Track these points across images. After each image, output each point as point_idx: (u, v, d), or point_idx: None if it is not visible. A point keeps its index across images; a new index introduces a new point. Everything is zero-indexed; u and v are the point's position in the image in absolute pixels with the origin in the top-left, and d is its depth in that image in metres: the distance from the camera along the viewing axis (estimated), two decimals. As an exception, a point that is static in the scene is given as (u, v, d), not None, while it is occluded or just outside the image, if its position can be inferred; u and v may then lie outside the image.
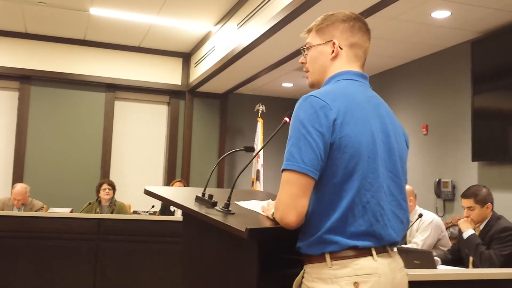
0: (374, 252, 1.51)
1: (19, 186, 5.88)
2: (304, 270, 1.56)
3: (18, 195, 5.77)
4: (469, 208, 3.62)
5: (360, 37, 1.70)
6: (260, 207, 1.82)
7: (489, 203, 3.61)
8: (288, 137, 1.53)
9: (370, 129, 1.56)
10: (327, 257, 1.49)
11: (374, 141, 1.55)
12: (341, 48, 1.69)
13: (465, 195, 3.67)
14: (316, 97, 1.53)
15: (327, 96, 1.54)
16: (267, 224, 1.63)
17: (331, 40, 1.69)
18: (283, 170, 1.51)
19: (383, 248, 1.55)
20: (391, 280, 1.52)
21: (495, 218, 3.61)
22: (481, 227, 3.64)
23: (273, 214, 1.61)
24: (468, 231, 3.52)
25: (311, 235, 1.51)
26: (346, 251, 1.49)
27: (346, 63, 1.69)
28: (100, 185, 6.03)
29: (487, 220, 3.62)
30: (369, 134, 1.55)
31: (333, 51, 1.69)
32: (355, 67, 1.70)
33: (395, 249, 1.64)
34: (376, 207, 1.53)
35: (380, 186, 1.55)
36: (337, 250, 1.49)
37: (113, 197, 6.02)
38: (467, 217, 3.66)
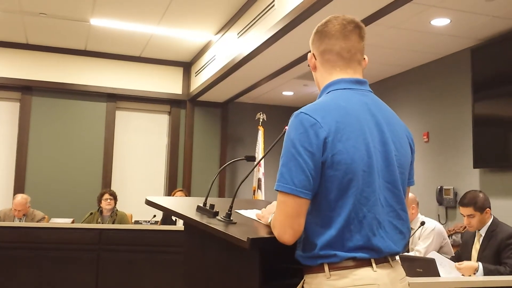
0: (373, 263, 1.51)
1: (19, 197, 5.87)
2: (304, 280, 1.56)
3: (19, 206, 5.76)
4: (469, 216, 3.60)
5: (327, 41, 1.67)
6: (255, 214, 1.82)
7: (488, 208, 3.60)
8: (281, 154, 1.53)
9: (365, 141, 1.54)
10: (326, 267, 1.49)
11: (369, 153, 1.54)
12: (316, 59, 1.72)
13: (463, 203, 3.64)
14: (307, 114, 1.52)
15: (317, 112, 1.53)
16: (268, 233, 1.63)
17: (311, 53, 1.75)
18: (277, 190, 1.53)
19: (384, 258, 1.54)
20: None
21: (496, 223, 3.60)
22: (483, 232, 3.62)
23: (269, 222, 1.61)
24: (479, 272, 3.37)
25: (309, 250, 1.52)
26: (345, 262, 1.49)
27: (324, 72, 1.70)
28: (102, 195, 6.02)
29: (488, 225, 3.61)
30: (364, 148, 1.53)
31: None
32: (338, 73, 1.67)
33: (397, 259, 1.63)
34: (373, 220, 1.52)
35: (376, 199, 1.54)
36: (336, 261, 1.49)
37: (114, 207, 6.01)
38: (468, 224, 3.65)
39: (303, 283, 1.56)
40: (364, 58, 1.73)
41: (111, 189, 6.48)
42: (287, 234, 1.50)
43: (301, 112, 1.54)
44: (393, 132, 1.64)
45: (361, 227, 1.50)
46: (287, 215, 1.49)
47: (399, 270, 1.60)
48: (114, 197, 6.03)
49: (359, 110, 1.59)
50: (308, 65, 1.81)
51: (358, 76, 1.69)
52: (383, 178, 1.57)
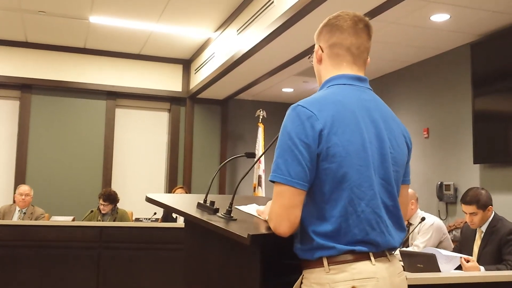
0: (372, 257, 1.51)
1: (23, 185, 6.04)
2: (303, 275, 1.56)
3: (24, 191, 5.86)
4: (472, 214, 3.59)
5: (339, 35, 1.67)
6: (255, 210, 1.83)
7: (490, 206, 3.59)
8: (276, 146, 1.54)
9: (361, 136, 1.55)
10: (325, 261, 1.50)
11: (365, 148, 1.55)
12: (323, 51, 1.71)
13: (466, 201, 3.60)
14: (304, 107, 1.54)
15: (314, 105, 1.54)
16: (268, 229, 1.63)
17: (317, 45, 1.74)
18: (272, 181, 1.53)
19: (381, 252, 1.55)
20: (390, 284, 1.52)
21: (497, 219, 3.60)
22: (484, 228, 3.62)
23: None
24: (482, 271, 3.38)
25: (308, 242, 1.52)
26: (343, 256, 1.49)
27: (330, 66, 1.70)
28: (99, 198, 5.84)
29: (489, 221, 3.60)
30: (359, 142, 1.54)
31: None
32: (344, 68, 1.68)
33: (394, 253, 1.64)
34: (372, 215, 1.53)
35: (374, 193, 1.54)
36: (334, 254, 1.49)
37: (112, 208, 5.82)
38: (470, 222, 3.63)
39: (302, 278, 1.56)
40: (368, 58, 1.74)
41: (111, 189, 6.20)
42: (283, 225, 1.50)
43: (298, 105, 1.55)
44: (389, 129, 1.65)
45: (359, 222, 1.51)
46: (283, 206, 1.50)
47: (397, 264, 1.61)
48: (110, 201, 5.78)
49: (356, 105, 1.60)
50: (309, 57, 1.80)
51: (361, 74, 1.70)
52: (378, 174, 1.58)
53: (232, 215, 1.72)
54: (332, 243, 1.49)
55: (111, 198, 5.82)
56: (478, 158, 5.24)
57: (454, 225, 4.80)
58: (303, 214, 1.52)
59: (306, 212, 1.53)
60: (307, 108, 1.53)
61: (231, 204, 1.73)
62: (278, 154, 1.53)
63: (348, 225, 1.50)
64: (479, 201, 3.55)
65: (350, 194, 1.50)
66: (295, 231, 1.54)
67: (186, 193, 6.46)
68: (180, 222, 5.63)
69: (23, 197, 5.83)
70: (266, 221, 1.69)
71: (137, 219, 5.68)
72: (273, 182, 1.53)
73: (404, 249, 3.87)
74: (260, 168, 7.42)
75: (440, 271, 3.03)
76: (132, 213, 6.33)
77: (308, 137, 1.49)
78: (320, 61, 1.73)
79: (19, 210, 5.86)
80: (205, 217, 1.72)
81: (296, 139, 1.50)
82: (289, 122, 1.53)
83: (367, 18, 1.72)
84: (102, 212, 5.79)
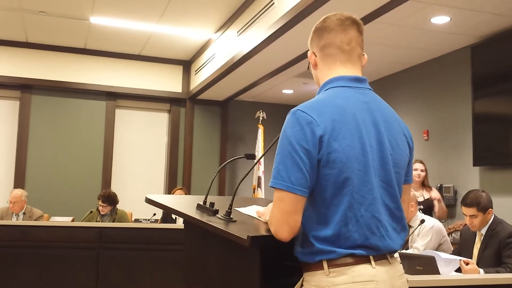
0: (372, 260, 1.51)
1: (15, 190, 5.92)
2: (303, 278, 1.56)
3: (13, 198, 5.72)
4: (472, 216, 3.58)
5: (327, 35, 1.67)
6: (255, 212, 1.82)
7: (490, 209, 3.59)
8: (276, 151, 1.54)
9: (361, 140, 1.54)
10: (325, 264, 1.50)
11: (365, 152, 1.54)
12: (316, 56, 1.71)
13: (466, 204, 3.60)
14: (303, 112, 1.53)
15: (314, 110, 1.53)
16: (268, 231, 1.63)
17: (310, 52, 1.74)
18: (272, 187, 1.53)
19: (382, 255, 1.55)
20: (390, 287, 1.52)
21: (497, 221, 3.59)
22: (484, 231, 3.61)
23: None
24: (481, 274, 3.39)
25: (308, 246, 1.52)
26: (343, 259, 1.49)
27: (324, 68, 1.69)
28: (98, 199, 5.81)
29: (489, 224, 3.60)
30: (359, 146, 1.53)
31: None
32: (338, 67, 1.66)
33: (396, 256, 1.64)
34: (371, 219, 1.52)
35: (374, 198, 1.54)
36: (334, 258, 1.49)
37: (112, 209, 5.79)
38: (470, 224, 3.63)
39: (302, 281, 1.56)
40: (364, 55, 1.72)
41: (110, 190, 6.17)
42: (283, 230, 1.50)
43: (298, 109, 1.54)
44: (390, 130, 1.64)
45: (359, 227, 1.50)
46: (283, 212, 1.50)
47: (398, 267, 1.61)
48: (109, 202, 5.75)
49: (357, 108, 1.59)
50: (308, 68, 1.80)
51: (358, 72, 1.68)
52: (379, 177, 1.57)
53: (231, 216, 1.72)
54: (332, 248, 1.49)
55: (110, 199, 5.79)
56: (477, 161, 5.24)
57: (453, 227, 4.79)
58: (303, 219, 1.52)
59: (307, 216, 1.52)
60: (307, 113, 1.52)
61: (230, 205, 1.73)
62: (279, 160, 1.52)
63: (348, 230, 1.49)
64: (479, 203, 3.55)
65: (350, 199, 1.50)
66: (295, 235, 1.54)
67: (186, 194, 6.46)
68: (180, 223, 5.63)
69: (12, 204, 5.74)
70: (266, 222, 1.69)
71: (137, 220, 5.67)
72: (274, 188, 1.53)
73: (404, 251, 3.87)
74: (260, 170, 7.43)
75: (439, 273, 3.03)
76: (131, 214, 6.32)
77: (309, 143, 1.48)
78: (315, 66, 1.72)
79: (15, 214, 5.80)
80: (204, 218, 1.72)
81: (296, 145, 1.49)
82: (289, 127, 1.52)
83: (355, 16, 1.70)
84: (101, 213, 5.77)
